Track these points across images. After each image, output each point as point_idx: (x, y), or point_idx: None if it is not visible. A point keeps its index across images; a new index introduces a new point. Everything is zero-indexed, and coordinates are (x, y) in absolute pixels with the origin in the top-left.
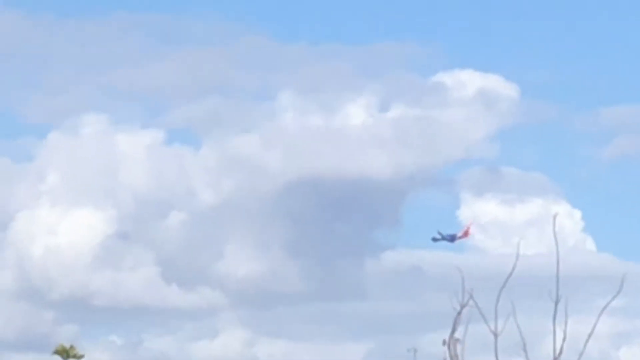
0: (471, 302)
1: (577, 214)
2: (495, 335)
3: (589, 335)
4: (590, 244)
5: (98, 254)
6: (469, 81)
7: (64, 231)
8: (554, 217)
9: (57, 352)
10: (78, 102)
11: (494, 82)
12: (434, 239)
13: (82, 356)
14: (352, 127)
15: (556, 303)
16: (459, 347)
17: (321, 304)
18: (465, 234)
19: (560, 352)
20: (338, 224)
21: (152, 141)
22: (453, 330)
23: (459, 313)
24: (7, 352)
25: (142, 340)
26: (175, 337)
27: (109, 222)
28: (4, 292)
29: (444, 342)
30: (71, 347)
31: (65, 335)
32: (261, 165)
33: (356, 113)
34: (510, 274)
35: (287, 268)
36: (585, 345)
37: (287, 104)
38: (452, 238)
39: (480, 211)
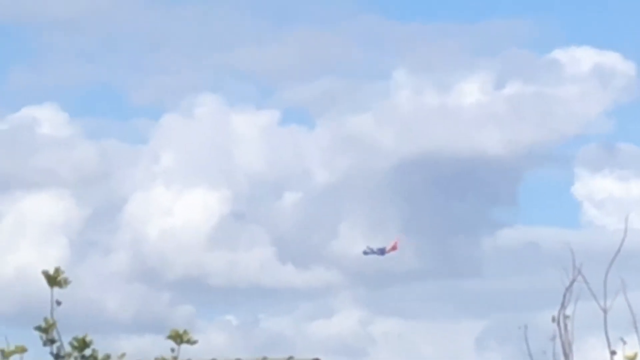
0: (580, 279)
1: None
2: (605, 311)
3: None
4: None
5: (213, 235)
6: (585, 58)
7: (179, 212)
8: None
9: (170, 337)
10: (192, 83)
11: (611, 59)
12: (365, 253)
13: (195, 341)
14: (467, 105)
15: None
16: (568, 323)
17: (437, 282)
18: (394, 247)
19: None
20: (453, 202)
21: (267, 121)
22: (562, 307)
23: (568, 289)
24: (124, 333)
25: (258, 320)
26: (291, 316)
27: (224, 202)
28: (120, 274)
29: (553, 319)
30: (185, 331)
31: (181, 315)
32: (375, 144)
33: (471, 91)
34: (619, 249)
35: (403, 246)
36: None
37: (401, 83)
38: (381, 251)
39: (595, 187)
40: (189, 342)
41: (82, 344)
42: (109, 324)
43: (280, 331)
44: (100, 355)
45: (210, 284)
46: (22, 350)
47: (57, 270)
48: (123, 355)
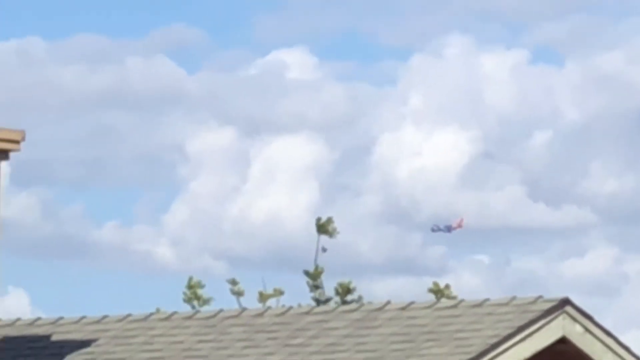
0: None
1: None
2: None
3: None
4: None
5: (463, 175)
6: None
7: (429, 152)
8: None
9: (431, 290)
10: (442, 23)
11: None
12: (432, 230)
13: (454, 297)
14: None
15: None
16: None
17: None
18: (459, 225)
19: None
20: None
21: (516, 61)
22: None
23: None
24: (377, 275)
25: (510, 259)
26: (543, 256)
27: (474, 142)
28: (371, 216)
29: None
30: (446, 286)
31: (433, 256)
32: (626, 81)
33: None
34: None
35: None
36: None
37: None
38: (448, 229)
39: None
40: (448, 297)
41: (346, 290)
42: (361, 267)
43: (532, 270)
44: (367, 304)
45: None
46: (279, 293)
47: (329, 219)
48: (388, 302)
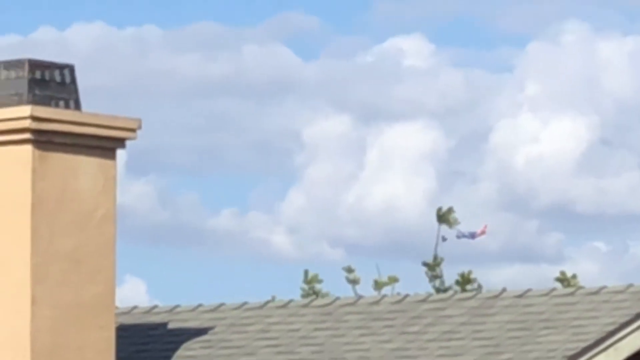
0: None
1: None
2: None
3: None
4: None
5: (581, 161)
6: None
7: (546, 139)
8: None
9: (558, 279)
10: (559, 10)
11: None
12: (457, 237)
13: (580, 287)
14: None
15: None
16: None
17: None
18: (482, 232)
19: None
20: None
21: (634, 47)
22: None
23: None
24: (493, 262)
25: (628, 247)
26: None
27: (592, 128)
28: (489, 203)
29: None
30: (573, 275)
31: (549, 243)
32: None
33: None
34: None
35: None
36: None
37: None
38: (472, 235)
39: None
40: (574, 286)
41: (466, 281)
42: (477, 254)
43: None
44: (483, 292)
45: (579, 210)
46: (394, 280)
47: (449, 209)
48: (505, 290)
